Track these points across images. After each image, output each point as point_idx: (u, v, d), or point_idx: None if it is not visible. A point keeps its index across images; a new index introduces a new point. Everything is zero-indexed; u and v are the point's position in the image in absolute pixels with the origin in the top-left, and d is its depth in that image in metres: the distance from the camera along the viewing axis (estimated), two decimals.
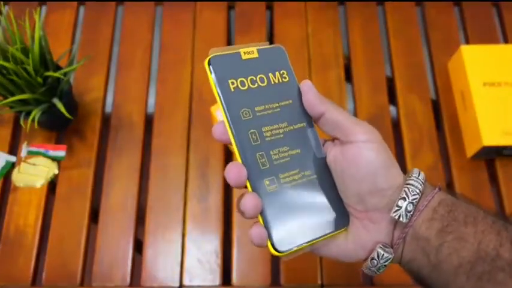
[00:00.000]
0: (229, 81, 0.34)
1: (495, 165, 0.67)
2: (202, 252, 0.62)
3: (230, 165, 0.33)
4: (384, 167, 0.33)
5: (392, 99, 0.74)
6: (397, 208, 0.32)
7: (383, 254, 0.33)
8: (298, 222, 0.33)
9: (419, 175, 0.33)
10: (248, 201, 0.31)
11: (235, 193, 0.65)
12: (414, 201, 0.32)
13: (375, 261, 0.33)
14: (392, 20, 0.78)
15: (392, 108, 0.73)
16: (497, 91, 0.66)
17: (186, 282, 0.61)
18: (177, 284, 0.61)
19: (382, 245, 0.33)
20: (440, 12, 0.78)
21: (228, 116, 0.33)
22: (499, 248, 0.30)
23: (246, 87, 0.34)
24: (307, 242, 0.33)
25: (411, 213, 0.32)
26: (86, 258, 0.62)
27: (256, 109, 0.34)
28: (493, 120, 0.64)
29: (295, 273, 0.61)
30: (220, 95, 0.34)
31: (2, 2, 0.62)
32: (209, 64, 0.34)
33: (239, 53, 0.35)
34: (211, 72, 0.34)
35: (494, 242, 0.30)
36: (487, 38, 0.76)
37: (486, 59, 0.68)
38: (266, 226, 0.32)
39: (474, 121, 0.65)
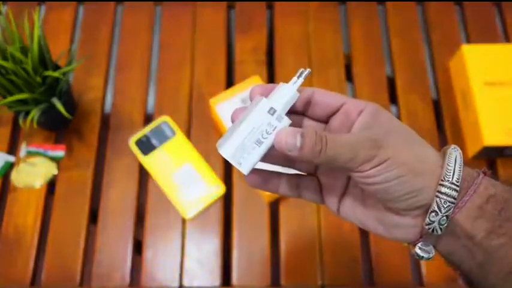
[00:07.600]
0: None
1: (496, 165, 0.67)
2: (202, 253, 0.62)
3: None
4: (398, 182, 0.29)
5: (393, 98, 0.73)
6: (429, 222, 0.29)
7: (422, 256, 0.31)
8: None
9: (453, 176, 0.29)
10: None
11: (235, 193, 0.65)
12: (449, 212, 0.29)
13: (417, 257, 0.31)
14: (393, 19, 0.78)
15: (393, 108, 0.73)
16: (499, 91, 0.66)
17: (185, 282, 0.60)
18: (177, 285, 0.60)
19: (420, 245, 0.31)
20: (441, 12, 0.78)
21: None
22: None
23: None
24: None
25: (445, 225, 0.29)
26: (85, 259, 0.62)
27: None
28: (494, 120, 0.64)
29: (295, 273, 0.61)
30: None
31: (0, 2, 0.62)
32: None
33: None
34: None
35: None
36: (488, 37, 0.75)
37: (487, 58, 0.68)
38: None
39: (475, 121, 0.65)
